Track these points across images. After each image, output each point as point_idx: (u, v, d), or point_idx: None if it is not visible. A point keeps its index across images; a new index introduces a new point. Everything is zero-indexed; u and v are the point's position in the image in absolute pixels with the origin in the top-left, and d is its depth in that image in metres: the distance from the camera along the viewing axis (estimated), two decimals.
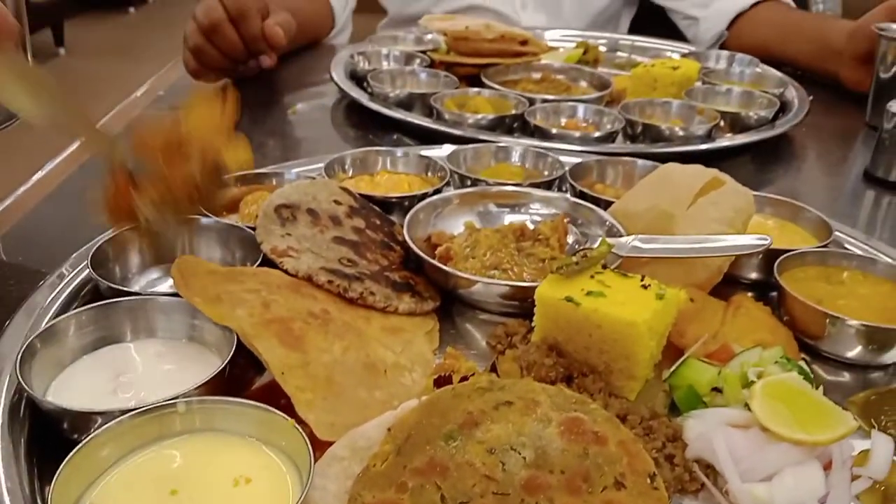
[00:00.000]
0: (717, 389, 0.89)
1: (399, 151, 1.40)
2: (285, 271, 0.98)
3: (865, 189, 1.57)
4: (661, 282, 0.99)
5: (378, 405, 0.84)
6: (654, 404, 0.90)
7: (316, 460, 0.72)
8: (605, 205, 1.21)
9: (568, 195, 1.28)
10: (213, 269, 0.94)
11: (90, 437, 0.70)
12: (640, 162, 1.38)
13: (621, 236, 1.10)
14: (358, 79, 1.91)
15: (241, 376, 0.88)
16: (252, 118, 1.79)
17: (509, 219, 1.22)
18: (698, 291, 1.03)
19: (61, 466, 0.67)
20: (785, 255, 1.06)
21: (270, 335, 0.86)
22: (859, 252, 1.16)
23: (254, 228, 1.06)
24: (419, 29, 2.20)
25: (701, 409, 0.84)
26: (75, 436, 0.75)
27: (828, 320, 0.96)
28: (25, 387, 0.77)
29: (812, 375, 0.88)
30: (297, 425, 0.74)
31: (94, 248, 1.01)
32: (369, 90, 1.81)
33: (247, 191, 1.25)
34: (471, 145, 1.44)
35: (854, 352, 0.97)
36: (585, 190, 1.28)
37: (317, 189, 1.16)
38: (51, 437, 0.79)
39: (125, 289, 0.96)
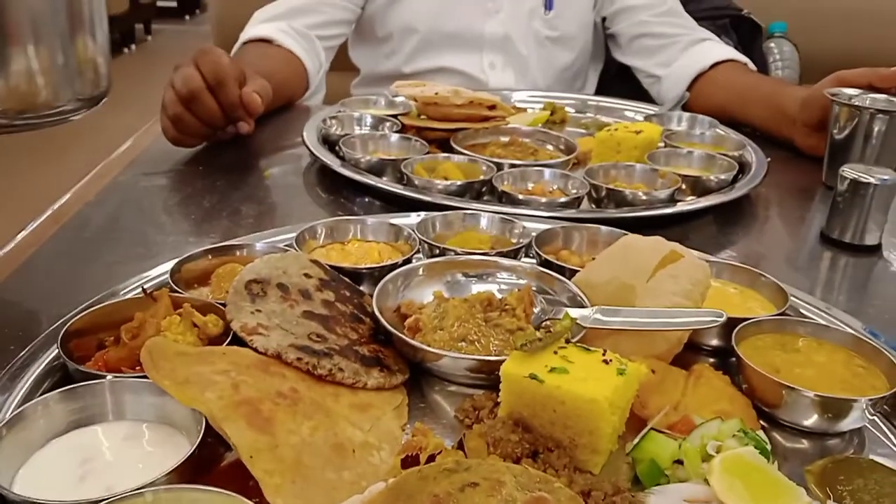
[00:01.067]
0: (679, 461, 0.91)
1: (369, 220, 1.43)
2: (255, 349, 1.00)
3: (822, 250, 1.62)
4: (623, 353, 1.02)
5: (346, 486, 0.85)
6: (617, 478, 0.92)
7: None
8: (570, 273, 1.24)
9: (534, 263, 1.31)
10: (182, 350, 0.95)
11: None
12: (603, 228, 1.42)
13: (585, 306, 1.14)
14: (330, 143, 1.95)
15: (211, 455, 0.89)
16: (229, 182, 1.81)
17: (477, 288, 1.25)
18: (659, 362, 1.06)
19: None
20: (741, 325, 1.09)
21: (239, 417, 0.87)
22: (815, 319, 1.20)
23: (223, 304, 1.08)
24: (390, 91, 2.25)
25: (662, 486, 0.86)
26: None
27: (784, 391, 0.99)
28: None
29: (769, 447, 0.91)
30: None
31: (65, 326, 1.02)
32: (341, 154, 1.84)
33: (218, 263, 1.27)
34: (439, 213, 1.48)
35: (810, 420, 1.00)
36: (550, 258, 1.31)
37: (287, 263, 1.18)
38: None
39: (93, 371, 0.96)
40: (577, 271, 1.24)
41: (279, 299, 1.10)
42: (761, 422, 1.03)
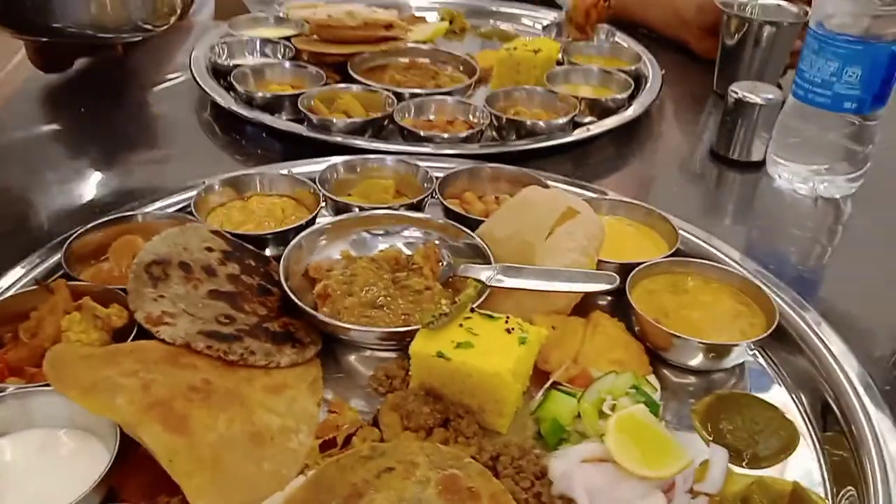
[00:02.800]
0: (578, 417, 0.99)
1: (269, 173, 1.40)
2: (162, 340, 0.99)
3: (712, 168, 1.69)
4: (525, 310, 1.08)
5: (267, 477, 0.89)
6: (524, 436, 0.99)
7: None
8: (474, 224, 1.27)
9: (439, 211, 1.33)
10: (87, 353, 0.94)
11: None
12: (506, 168, 1.44)
13: (488, 260, 1.17)
14: (221, 74, 1.86)
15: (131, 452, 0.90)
16: (117, 126, 1.73)
17: (384, 244, 1.26)
18: (559, 316, 1.11)
19: None
20: (634, 272, 1.15)
21: (152, 421, 0.88)
22: (705, 250, 1.27)
23: (124, 290, 1.06)
24: (281, 6, 2.14)
25: (563, 449, 0.93)
26: None
27: (672, 338, 1.07)
28: None
29: (659, 400, 0.99)
30: None
31: None
32: (234, 89, 1.76)
33: (113, 235, 1.23)
34: (341, 159, 1.46)
35: (696, 361, 1.09)
36: (454, 205, 1.33)
37: (187, 237, 1.16)
38: None
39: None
40: (481, 221, 1.26)
41: (182, 280, 1.09)
42: (653, 368, 1.11)
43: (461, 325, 0.99)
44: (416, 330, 1.00)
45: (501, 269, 1.12)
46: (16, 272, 1.16)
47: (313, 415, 1.00)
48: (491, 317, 1.01)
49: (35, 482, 0.86)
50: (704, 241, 1.31)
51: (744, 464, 0.97)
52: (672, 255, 1.23)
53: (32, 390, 0.91)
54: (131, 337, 1.01)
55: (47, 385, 0.90)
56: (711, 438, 1.00)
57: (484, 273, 1.12)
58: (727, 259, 1.27)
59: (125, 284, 1.06)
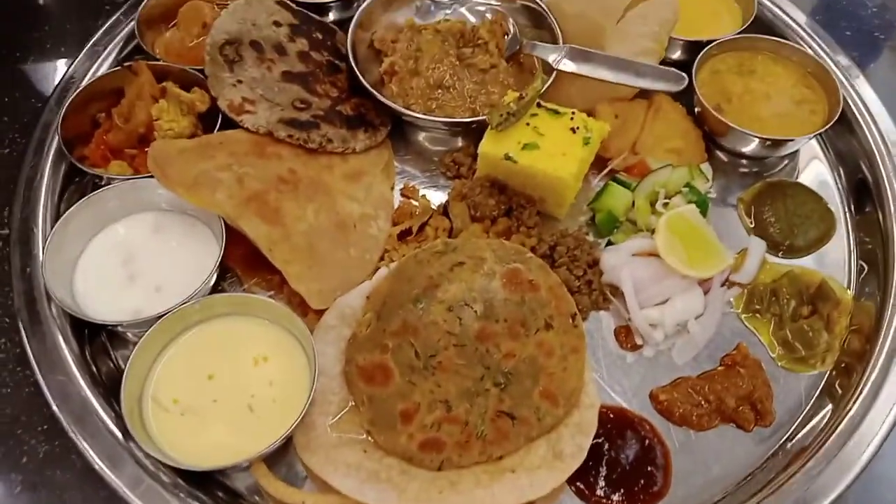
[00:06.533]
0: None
1: None
2: (247, 129, 1.06)
3: None
4: (589, 94, 1.10)
5: (355, 262, 1.02)
6: (579, 221, 1.08)
7: (311, 327, 0.92)
8: None
9: None
10: (183, 146, 1.02)
11: (140, 341, 0.89)
12: None
13: (554, 34, 1.16)
14: None
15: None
16: None
17: (448, 12, 1.24)
18: (622, 103, 1.13)
19: (126, 368, 0.87)
20: (702, 53, 1.14)
21: (251, 214, 0.99)
22: (770, 38, 1.20)
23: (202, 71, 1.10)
24: None
25: (615, 245, 1.03)
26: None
27: (730, 128, 1.09)
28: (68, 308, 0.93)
29: (709, 200, 1.06)
30: (292, 313, 0.91)
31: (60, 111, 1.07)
32: None
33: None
34: None
35: (751, 149, 1.13)
36: None
37: (254, 12, 1.16)
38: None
39: (107, 175, 1.04)
40: None
41: (256, 62, 1.12)
42: (710, 149, 1.15)
43: (528, 124, 1.03)
44: (483, 121, 1.04)
45: (568, 51, 1.12)
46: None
47: (389, 200, 1.10)
48: (557, 112, 1.04)
49: (159, 267, 0.99)
50: (782, 9, 1.26)
51: (780, 254, 1.06)
52: (746, 30, 1.19)
53: (141, 179, 1.02)
54: (218, 123, 1.08)
55: (152, 176, 1.00)
56: (753, 226, 1.08)
57: (551, 55, 1.12)
58: (801, 32, 1.23)
59: (198, 56, 1.11)
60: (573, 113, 1.04)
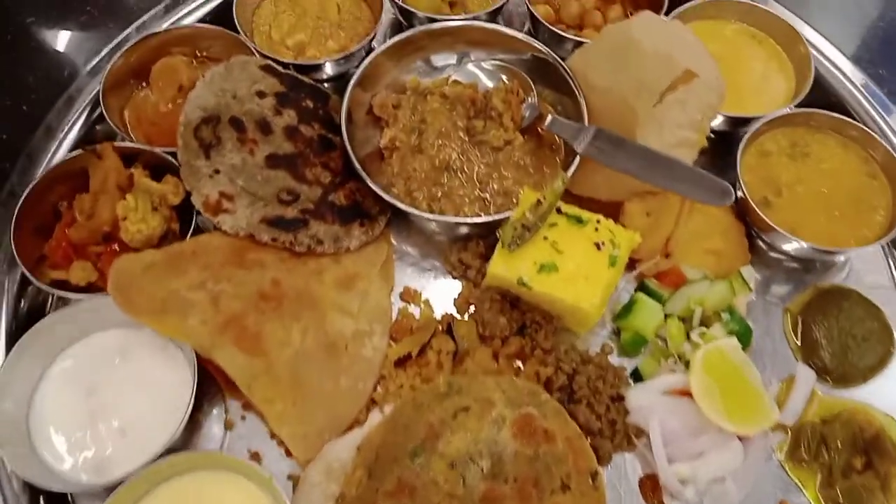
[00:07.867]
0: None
1: None
2: (224, 232, 0.93)
3: None
4: (616, 186, 0.97)
5: (345, 394, 0.90)
6: (603, 337, 0.96)
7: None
8: (573, 44, 1.08)
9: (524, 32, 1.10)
10: (150, 261, 0.89)
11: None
12: None
13: (580, 110, 1.01)
14: None
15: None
16: None
17: (453, 72, 1.09)
18: (655, 197, 0.98)
19: None
20: (749, 133, 1.00)
21: (228, 343, 0.87)
22: (829, 114, 1.03)
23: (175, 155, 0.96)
24: None
25: (644, 382, 0.90)
26: None
27: (776, 231, 0.95)
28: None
29: (752, 333, 0.92)
30: (272, 479, 0.80)
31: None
32: None
33: (150, 55, 1.09)
34: None
35: (800, 250, 0.99)
36: (545, 22, 1.11)
37: (235, 80, 1.01)
38: None
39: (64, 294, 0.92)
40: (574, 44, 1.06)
41: (236, 145, 0.97)
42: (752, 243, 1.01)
43: (545, 238, 0.89)
44: (497, 222, 0.91)
45: (595, 133, 0.96)
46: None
47: (386, 310, 0.97)
48: (579, 221, 0.90)
49: (124, 405, 0.87)
50: (838, 68, 1.09)
51: (830, 382, 0.93)
52: (801, 102, 1.03)
53: (103, 299, 0.89)
54: (194, 218, 0.95)
55: None
56: (800, 345, 0.95)
57: (575, 136, 0.97)
58: (866, 105, 1.07)
59: (173, 125, 0.98)
60: (598, 221, 0.90)
